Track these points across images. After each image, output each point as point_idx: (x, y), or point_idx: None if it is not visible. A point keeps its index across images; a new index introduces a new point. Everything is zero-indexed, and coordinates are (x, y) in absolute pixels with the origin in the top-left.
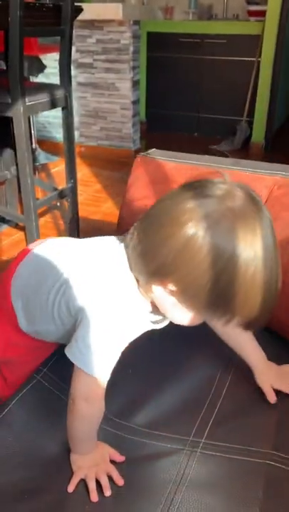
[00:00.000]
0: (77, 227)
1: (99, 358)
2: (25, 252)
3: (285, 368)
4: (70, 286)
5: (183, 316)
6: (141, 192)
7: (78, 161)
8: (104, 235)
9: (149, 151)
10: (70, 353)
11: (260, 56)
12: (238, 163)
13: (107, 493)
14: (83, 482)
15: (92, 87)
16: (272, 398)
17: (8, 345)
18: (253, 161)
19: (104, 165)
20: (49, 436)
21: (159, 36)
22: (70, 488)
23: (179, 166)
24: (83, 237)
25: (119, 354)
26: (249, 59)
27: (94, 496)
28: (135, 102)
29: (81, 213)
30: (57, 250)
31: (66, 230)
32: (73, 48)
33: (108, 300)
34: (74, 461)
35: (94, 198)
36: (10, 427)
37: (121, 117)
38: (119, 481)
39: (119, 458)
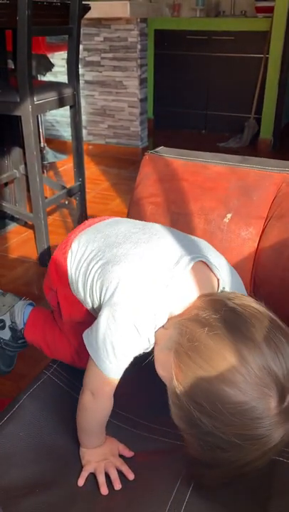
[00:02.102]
0: None
1: (112, 357)
2: (86, 224)
3: None
4: (109, 270)
5: (164, 372)
6: (149, 190)
7: (86, 159)
8: None
9: (157, 148)
10: (87, 340)
11: (268, 53)
12: (246, 161)
13: (117, 486)
14: (93, 476)
15: (100, 85)
16: None
17: (72, 306)
18: (262, 158)
19: (112, 163)
20: (59, 432)
21: (167, 33)
22: (80, 482)
23: (187, 163)
24: None
25: (132, 358)
26: (257, 56)
27: (104, 490)
28: (143, 100)
29: (89, 211)
30: (122, 229)
31: (74, 228)
32: (81, 47)
33: (139, 304)
34: (83, 455)
35: (102, 196)
36: (21, 421)
37: (129, 115)
38: (130, 475)
39: (129, 453)
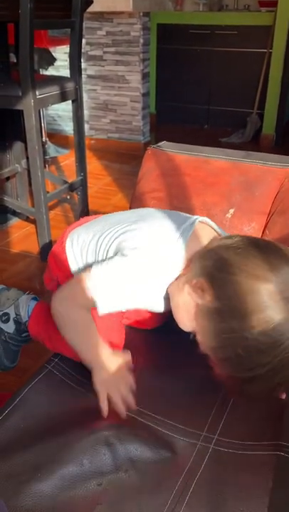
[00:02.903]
0: None
1: (109, 292)
2: (82, 220)
3: None
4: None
5: (188, 324)
6: (151, 185)
7: (88, 154)
8: None
9: (160, 143)
10: (95, 267)
11: (271, 47)
12: (249, 156)
13: (133, 406)
14: (93, 450)
15: (102, 79)
16: (281, 395)
17: None
18: (264, 153)
19: (114, 158)
20: (61, 424)
21: (169, 28)
22: (104, 407)
23: (189, 158)
24: None
25: (123, 303)
26: (260, 50)
27: (122, 412)
28: (145, 95)
29: (91, 206)
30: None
31: None
32: (83, 41)
33: (149, 258)
34: (94, 380)
35: (104, 191)
36: (23, 414)
37: (131, 110)
38: (133, 406)
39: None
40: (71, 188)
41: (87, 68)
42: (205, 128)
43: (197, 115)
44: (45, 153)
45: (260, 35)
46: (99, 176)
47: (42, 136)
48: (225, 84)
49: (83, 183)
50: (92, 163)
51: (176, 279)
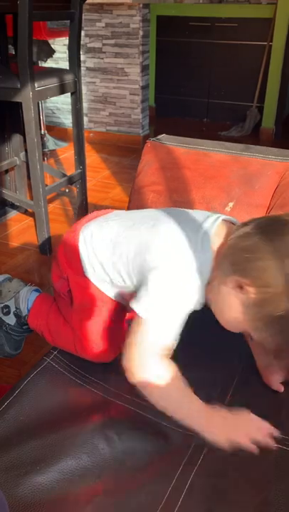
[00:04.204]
0: (86, 214)
1: (164, 319)
2: (92, 215)
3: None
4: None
5: (236, 325)
6: (151, 178)
7: (87, 147)
8: None
9: (159, 136)
10: (138, 308)
11: (271, 40)
12: (248, 149)
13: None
14: (91, 444)
15: (101, 72)
16: (280, 389)
17: (84, 292)
18: (264, 146)
19: (113, 151)
20: (60, 416)
21: (169, 20)
22: (251, 447)
23: (189, 151)
24: None
25: (181, 320)
26: (260, 43)
27: (253, 448)
28: (144, 87)
29: (90, 199)
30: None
31: (75, 216)
32: (82, 33)
33: (178, 264)
34: (211, 437)
35: (103, 184)
36: (22, 407)
37: (130, 103)
38: (275, 432)
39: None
40: (70, 181)
41: (86, 60)
42: (204, 121)
43: (196, 108)
44: (43, 146)
45: (261, 28)
46: (98, 169)
47: (41, 129)
48: (225, 77)
49: (82, 176)
50: (91, 156)
51: (210, 282)
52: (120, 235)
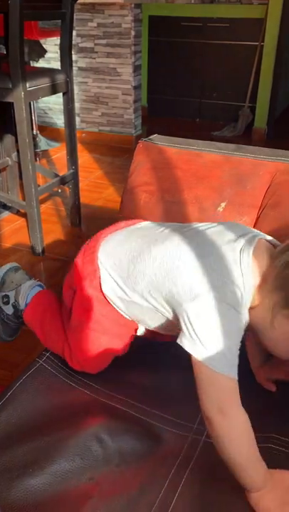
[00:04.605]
0: (78, 214)
1: (227, 351)
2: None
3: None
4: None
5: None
6: (143, 178)
7: (79, 147)
8: (106, 221)
9: (151, 136)
10: (193, 350)
11: (263, 40)
12: (240, 149)
13: None
14: (84, 446)
15: (93, 72)
16: (272, 388)
17: (86, 310)
18: (256, 146)
19: (106, 151)
20: (53, 418)
21: (161, 20)
22: None
23: (181, 151)
24: (84, 224)
25: (238, 348)
26: (252, 43)
27: None
28: (137, 87)
29: (82, 200)
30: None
31: (68, 216)
32: (74, 32)
33: (218, 283)
34: (256, 504)
35: (95, 185)
36: (14, 409)
37: (122, 103)
38: None
39: None
40: (62, 181)
41: (78, 60)
42: (197, 121)
43: (189, 108)
44: (35, 146)
45: (252, 28)
46: (90, 170)
47: (33, 129)
48: (217, 78)
49: (74, 177)
50: (84, 157)
51: (254, 307)
52: (139, 257)
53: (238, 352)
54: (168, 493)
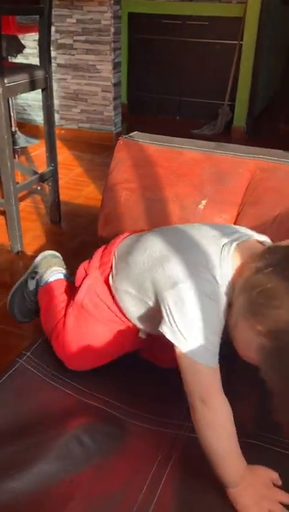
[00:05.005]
0: (58, 212)
1: (206, 341)
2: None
3: None
4: (168, 262)
5: (253, 358)
6: (123, 175)
7: (59, 144)
8: (86, 219)
9: (132, 133)
10: (174, 337)
11: (242, 39)
12: (220, 147)
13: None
14: (65, 448)
15: (73, 68)
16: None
17: (92, 297)
18: (236, 144)
19: (86, 148)
20: (34, 418)
21: (140, 17)
22: None
23: (162, 149)
24: (64, 222)
25: (219, 337)
26: (231, 42)
27: None
28: (116, 85)
29: (62, 197)
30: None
31: (47, 214)
32: (52, 28)
33: (195, 272)
34: (235, 500)
35: (75, 182)
36: None
37: (102, 100)
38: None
39: (279, 480)
40: (41, 178)
41: (57, 57)
42: (177, 119)
43: (169, 106)
44: (14, 143)
45: (232, 27)
46: (70, 167)
47: (11, 126)
48: (197, 76)
49: (54, 174)
50: (63, 154)
51: (231, 306)
52: (138, 244)
53: (220, 340)
54: (150, 490)
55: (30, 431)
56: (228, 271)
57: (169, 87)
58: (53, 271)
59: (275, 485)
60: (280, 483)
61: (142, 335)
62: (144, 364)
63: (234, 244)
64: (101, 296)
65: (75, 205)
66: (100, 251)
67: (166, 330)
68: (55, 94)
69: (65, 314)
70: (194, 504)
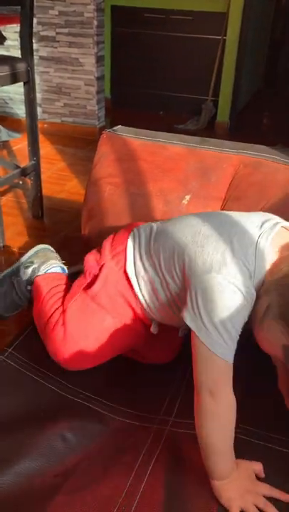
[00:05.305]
0: (40, 206)
1: (226, 335)
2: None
3: None
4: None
5: (274, 354)
6: (107, 170)
7: (41, 138)
8: (69, 214)
9: (115, 127)
10: (195, 324)
11: (225, 34)
12: (205, 142)
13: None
14: (48, 445)
15: (55, 61)
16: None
17: (111, 286)
18: (220, 140)
19: (69, 142)
20: (18, 414)
21: (124, 10)
22: None
23: (146, 143)
24: (46, 217)
25: (238, 333)
26: (215, 37)
27: None
28: (100, 78)
29: (45, 192)
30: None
31: (29, 209)
32: (34, 20)
33: (227, 262)
34: (220, 493)
35: (58, 177)
36: None
37: (85, 94)
38: (284, 496)
39: (262, 473)
40: (23, 172)
41: (39, 49)
42: (160, 114)
43: (152, 101)
44: None
45: (215, 22)
46: (53, 161)
47: None
48: (180, 71)
49: (36, 168)
50: (46, 148)
51: (258, 302)
52: (165, 229)
53: (238, 338)
54: (135, 483)
55: (14, 428)
56: (262, 262)
57: (153, 81)
58: (52, 263)
59: (258, 478)
60: (263, 475)
61: (154, 330)
62: (127, 360)
63: (271, 234)
64: (119, 287)
65: (58, 199)
66: (107, 242)
67: (187, 316)
68: (37, 87)
69: (64, 310)
70: (178, 497)
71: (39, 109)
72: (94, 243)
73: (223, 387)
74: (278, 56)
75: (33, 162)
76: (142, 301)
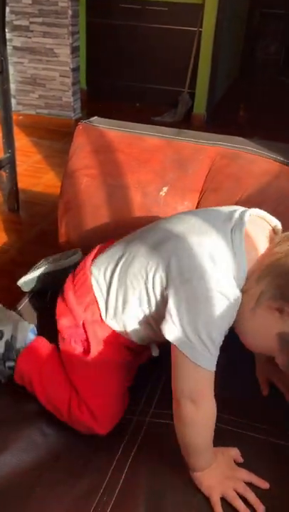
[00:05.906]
0: (16, 200)
1: (210, 345)
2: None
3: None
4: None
5: (262, 347)
6: (83, 161)
7: (16, 130)
8: (46, 207)
9: (91, 118)
10: (174, 336)
11: (201, 26)
12: (182, 133)
13: (261, 509)
14: (30, 447)
15: (29, 52)
16: (264, 391)
17: (104, 340)
18: (197, 131)
19: (44, 134)
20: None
21: (99, 0)
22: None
23: (122, 134)
24: (22, 210)
25: (221, 340)
26: (191, 29)
27: (245, 510)
28: (75, 70)
29: (21, 185)
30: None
31: (5, 202)
32: (7, 9)
33: (209, 266)
34: (200, 482)
35: (34, 169)
36: None
37: (60, 85)
38: (264, 484)
39: (240, 458)
40: None
41: (12, 39)
42: (137, 106)
43: (129, 92)
44: None
45: (191, 13)
46: (28, 154)
47: None
48: (157, 62)
49: (11, 161)
50: (21, 140)
51: (245, 298)
52: (131, 241)
53: (221, 343)
54: (115, 475)
55: None
56: (243, 258)
57: (129, 73)
58: (25, 327)
59: (237, 464)
60: (241, 460)
61: (155, 353)
62: None
63: (243, 226)
64: (110, 337)
65: (34, 192)
66: (69, 291)
67: (166, 329)
68: (11, 78)
69: (78, 391)
70: (160, 488)
71: (13, 101)
72: (70, 236)
73: (206, 395)
74: (254, 47)
75: (8, 155)
76: (133, 339)
